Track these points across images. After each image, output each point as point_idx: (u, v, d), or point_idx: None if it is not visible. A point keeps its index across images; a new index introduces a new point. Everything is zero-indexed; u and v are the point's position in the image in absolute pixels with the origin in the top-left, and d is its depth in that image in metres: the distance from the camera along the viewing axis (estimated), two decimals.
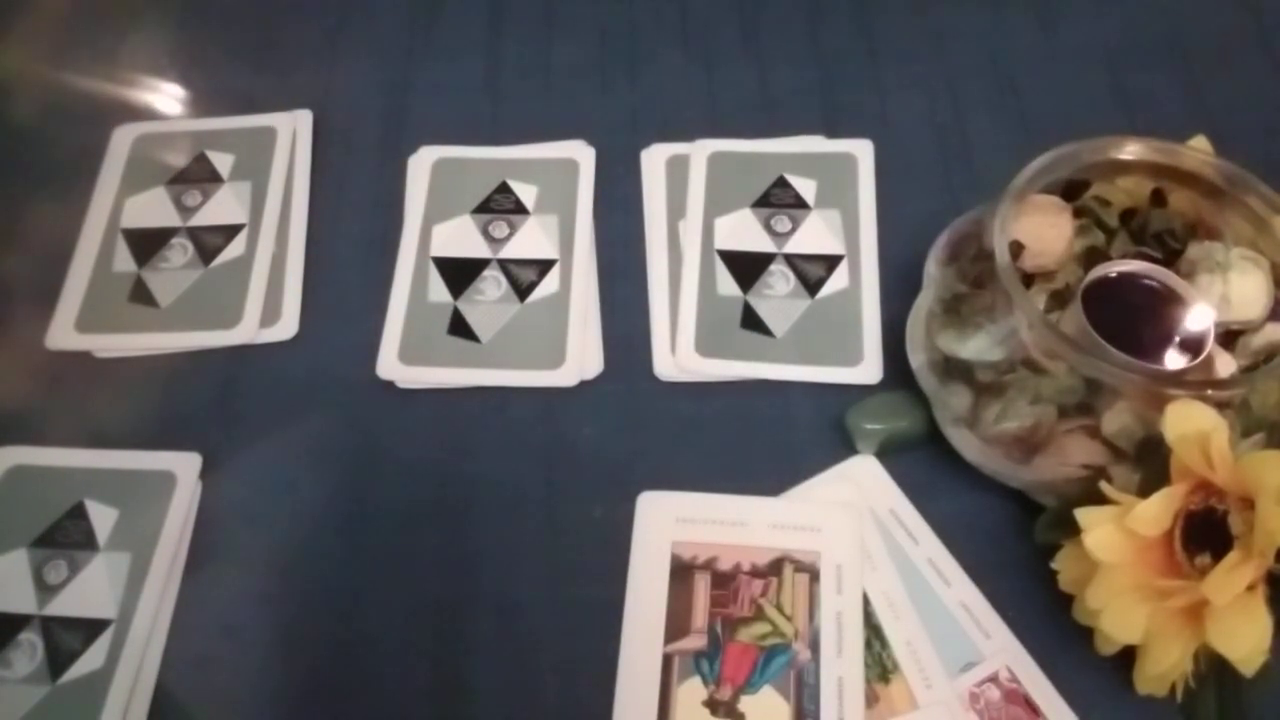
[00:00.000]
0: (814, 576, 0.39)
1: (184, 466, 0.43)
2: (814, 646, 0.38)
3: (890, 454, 0.42)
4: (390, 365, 0.45)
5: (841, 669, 0.37)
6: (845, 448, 0.42)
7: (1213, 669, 0.34)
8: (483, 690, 0.39)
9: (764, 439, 0.43)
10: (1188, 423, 0.33)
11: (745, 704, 0.37)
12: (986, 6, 0.54)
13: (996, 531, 0.41)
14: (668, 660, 0.38)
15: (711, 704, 0.37)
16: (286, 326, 0.47)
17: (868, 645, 0.37)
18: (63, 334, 0.47)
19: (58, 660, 0.39)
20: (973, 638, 0.38)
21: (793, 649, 0.38)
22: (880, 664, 0.37)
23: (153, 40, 0.57)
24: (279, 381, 0.46)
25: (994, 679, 0.37)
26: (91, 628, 0.39)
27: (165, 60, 0.56)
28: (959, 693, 0.37)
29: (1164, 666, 0.33)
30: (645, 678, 0.37)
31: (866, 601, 0.38)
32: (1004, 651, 0.38)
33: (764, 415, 0.44)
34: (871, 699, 0.37)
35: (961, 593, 0.39)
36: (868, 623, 0.38)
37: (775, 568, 0.39)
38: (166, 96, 0.54)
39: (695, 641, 0.38)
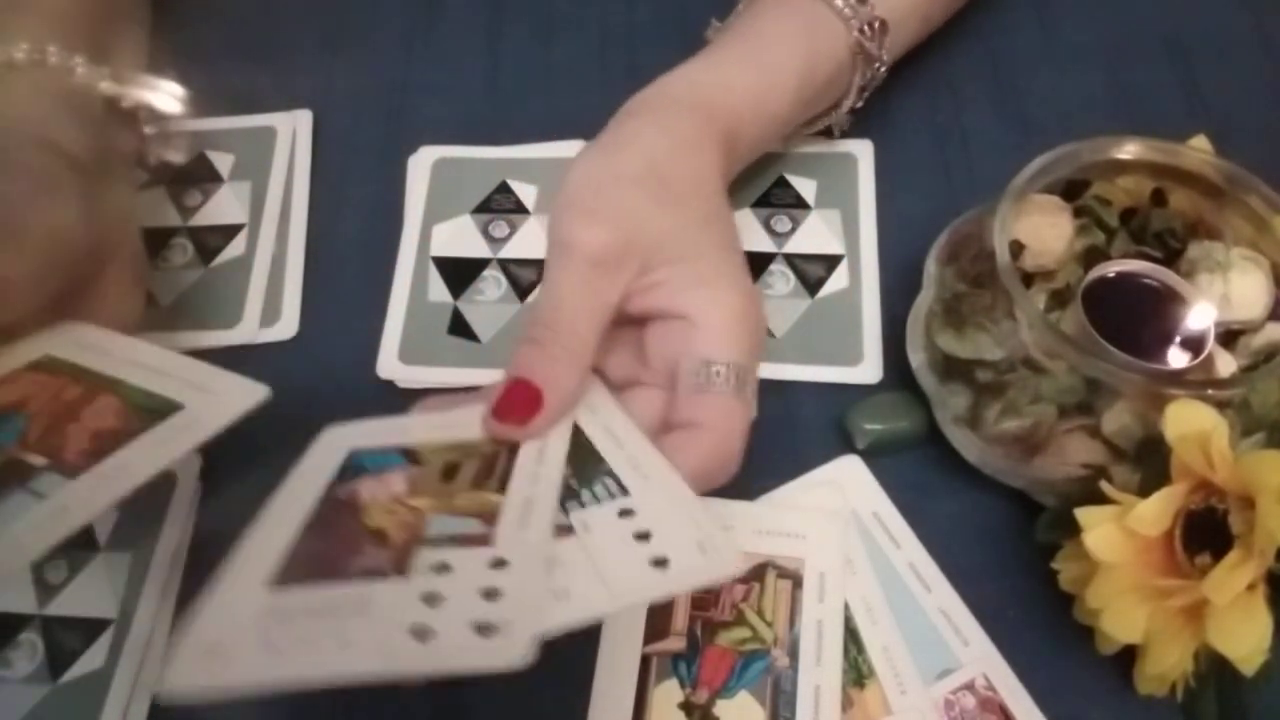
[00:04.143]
0: (796, 583, 0.39)
1: (184, 467, 0.43)
2: (793, 654, 0.38)
3: (890, 454, 0.42)
4: (390, 365, 0.45)
5: (819, 677, 0.37)
6: (845, 448, 0.42)
7: (1213, 669, 0.34)
8: (482, 690, 0.38)
9: (764, 439, 0.43)
10: (1188, 423, 0.33)
11: (721, 708, 0.37)
12: (987, 7, 0.54)
13: (996, 531, 0.41)
14: (646, 661, 0.38)
15: (687, 707, 0.37)
16: (286, 326, 0.47)
17: (844, 650, 0.37)
18: None
19: (58, 660, 0.39)
20: (950, 644, 0.38)
21: (771, 655, 0.38)
22: (856, 669, 0.37)
23: (153, 40, 0.56)
24: (279, 381, 0.45)
25: (970, 686, 0.37)
26: (91, 628, 0.39)
27: (165, 60, 0.56)
28: (934, 700, 0.37)
29: (1164, 666, 0.33)
30: (623, 678, 0.37)
31: (845, 606, 0.38)
32: (982, 659, 0.38)
33: (764, 415, 0.43)
34: (845, 704, 0.37)
35: (941, 599, 0.39)
36: (845, 627, 0.38)
37: (758, 573, 0.39)
38: (166, 96, 0.54)
39: (674, 643, 0.38)
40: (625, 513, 0.30)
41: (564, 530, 0.30)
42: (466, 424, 0.34)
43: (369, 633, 0.26)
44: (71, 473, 0.30)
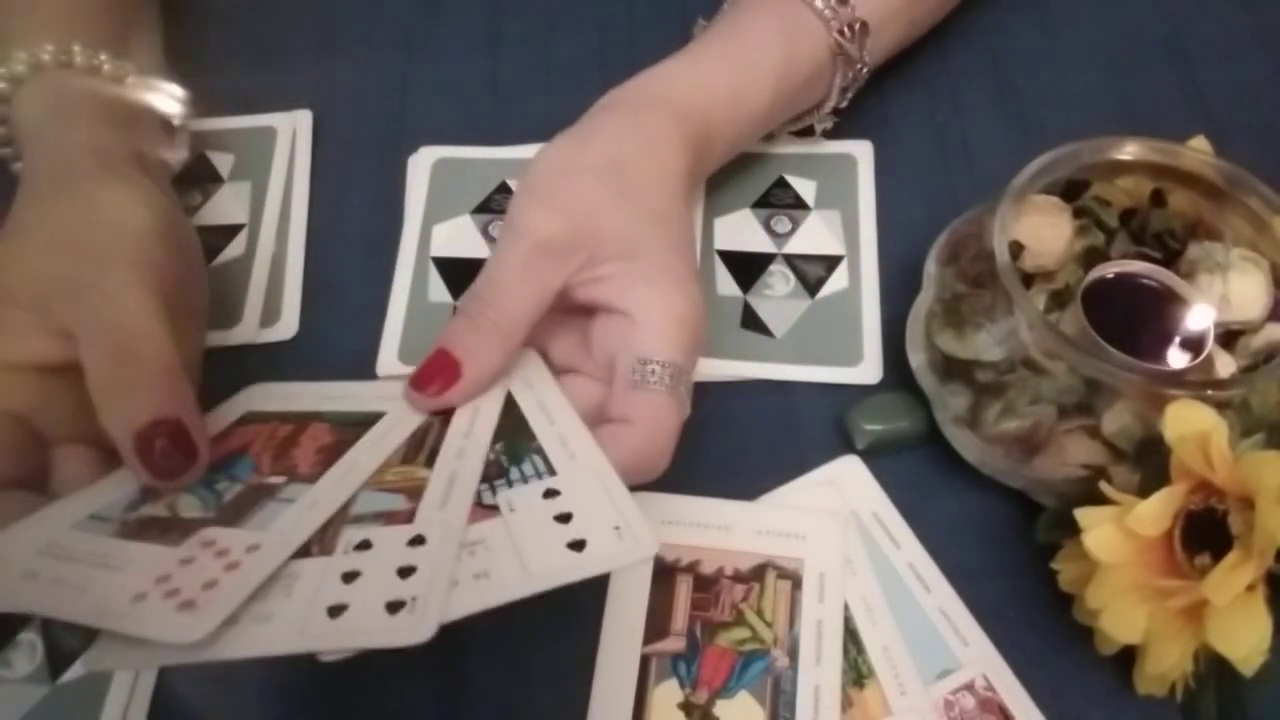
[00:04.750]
0: (796, 584, 0.39)
1: None
2: (792, 654, 0.38)
3: (890, 454, 0.42)
4: (390, 365, 0.45)
5: (819, 678, 0.37)
6: (845, 448, 0.42)
7: (1213, 669, 0.34)
8: (482, 689, 0.39)
9: (764, 439, 0.43)
10: (1188, 423, 0.33)
11: (720, 708, 0.37)
12: (986, 6, 0.54)
13: (996, 532, 0.41)
14: (645, 661, 0.38)
15: (687, 707, 0.37)
16: (286, 326, 0.47)
17: (844, 650, 0.37)
18: None
19: (58, 660, 0.39)
20: (950, 645, 0.38)
21: (771, 655, 0.38)
22: (855, 669, 0.37)
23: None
24: (279, 382, 0.45)
25: (969, 687, 0.37)
26: (91, 628, 0.39)
27: (165, 60, 0.56)
28: (934, 700, 0.37)
29: (1164, 666, 0.33)
30: (622, 678, 0.37)
31: (845, 606, 0.38)
32: (981, 659, 0.38)
33: (764, 415, 0.44)
34: (845, 704, 0.37)
35: (941, 599, 0.39)
36: (845, 627, 0.38)
37: (758, 573, 0.39)
38: (166, 96, 0.54)
39: (674, 644, 0.38)
40: (550, 493, 0.31)
41: (489, 510, 0.30)
42: (398, 393, 0.36)
43: (290, 610, 0.27)
44: (310, 479, 0.33)
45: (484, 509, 0.30)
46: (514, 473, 0.32)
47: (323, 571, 0.28)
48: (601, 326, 0.37)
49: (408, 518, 0.30)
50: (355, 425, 0.35)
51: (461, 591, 0.27)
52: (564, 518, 0.30)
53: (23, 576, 0.29)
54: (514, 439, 0.34)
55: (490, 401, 0.35)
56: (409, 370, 0.44)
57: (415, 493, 0.31)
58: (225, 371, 0.45)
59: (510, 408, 0.35)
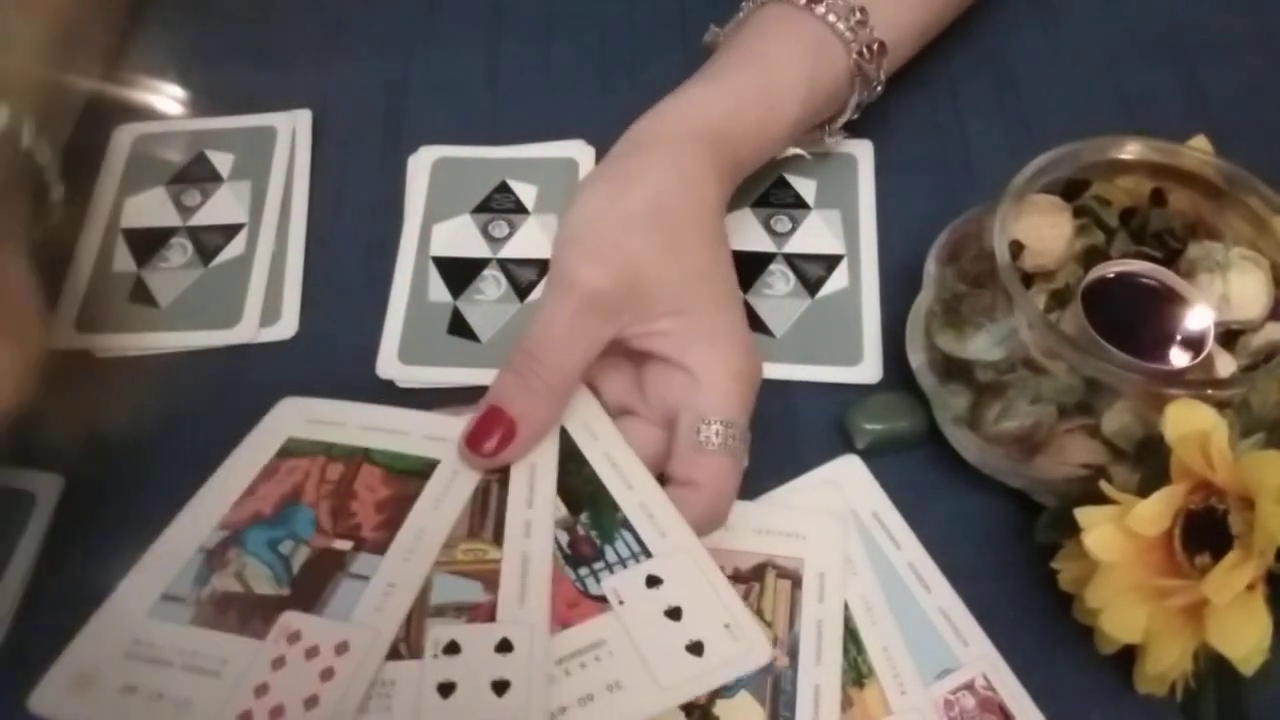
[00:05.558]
0: (796, 583, 0.39)
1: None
2: (792, 654, 0.37)
3: (890, 454, 0.42)
4: (390, 365, 0.45)
5: (819, 677, 0.37)
6: (845, 447, 0.42)
7: (1213, 669, 0.34)
8: None
9: (764, 438, 0.43)
10: (1188, 423, 0.33)
11: (720, 708, 0.36)
12: (986, 6, 0.54)
13: (996, 531, 0.41)
14: None
15: (687, 706, 0.37)
16: (286, 326, 0.47)
17: (843, 650, 0.37)
18: (62, 333, 0.46)
19: None
20: (950, 644, 0.38)
21: (771, 655, 0.37)
22: (855, 669, 0.37)
23: (153, 40, 0.57)
24: (279, 381, 0.45)
25: (969, 686, 0.37)
26: None
27: (165, 60, 0.56)
28: (934, 700, 0.37)
29: (1164, 666, 0.33)
30: None
31: (845, 606, 0.38)
32: (981, 659, 0.37)
33: (764, 415, 0.43)
34: (845, 704, 0.37)
35: (941, 599, 0.39)
36: (845, 627, 0.38)
37: (758, 573, 0.39)
38: (166, 96, 0.54)
39: None
40: (653, 581, 0.30)
41: (599, 602, 0.29)
42: (448, 434, 0.35)
43: None
44: (378, 549, 0.32)
45: (592, 600, 0.29)
46: (610, 554, 0.31)
47: (418, 680, 0.27)
48: (658, 376, 0.37)
49: (489, 613, 0.29)
50: (411, 475, 0.34)
51: (599, 707, 0.26)
52: (674, 613, 0.29)
53: (122, 692, 0.28)
54: (597, 509, 0.33)
55: (545, 459, 0.35)
56: (408, 369, 0.45)
57: (491, 580, 0.30)
58: (225, 371, 0.46)
59: (578, 460, 0.35)
